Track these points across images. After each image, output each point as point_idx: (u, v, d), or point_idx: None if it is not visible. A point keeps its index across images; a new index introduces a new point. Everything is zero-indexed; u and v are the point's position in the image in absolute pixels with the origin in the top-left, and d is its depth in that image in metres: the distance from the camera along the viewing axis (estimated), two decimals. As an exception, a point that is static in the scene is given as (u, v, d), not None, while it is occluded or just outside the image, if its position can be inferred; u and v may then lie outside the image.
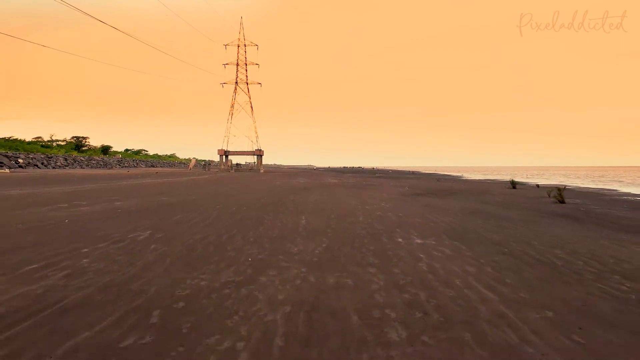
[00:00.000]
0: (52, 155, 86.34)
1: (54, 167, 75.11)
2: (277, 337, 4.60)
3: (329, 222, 14.02)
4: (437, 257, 8.81)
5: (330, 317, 5.19)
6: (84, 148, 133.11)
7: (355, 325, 4.95)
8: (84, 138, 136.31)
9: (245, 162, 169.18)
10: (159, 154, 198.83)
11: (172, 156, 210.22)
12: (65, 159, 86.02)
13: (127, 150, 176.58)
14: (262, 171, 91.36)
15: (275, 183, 40.67)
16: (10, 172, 57.41)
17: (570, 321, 5.18)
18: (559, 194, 25.15)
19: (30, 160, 72.05)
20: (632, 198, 30.37)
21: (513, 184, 40.79)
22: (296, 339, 4.56)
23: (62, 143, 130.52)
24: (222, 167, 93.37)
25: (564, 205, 23.47)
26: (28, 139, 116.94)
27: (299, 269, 7.55)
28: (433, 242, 10.52)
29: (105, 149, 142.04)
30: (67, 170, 69.07)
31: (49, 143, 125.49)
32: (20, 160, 68.85)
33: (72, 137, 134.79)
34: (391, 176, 78.39)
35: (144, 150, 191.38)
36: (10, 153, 72.31)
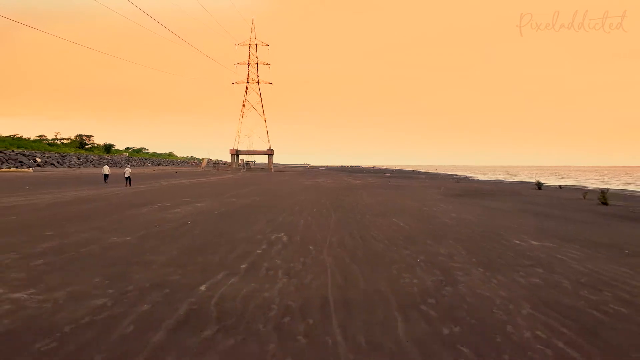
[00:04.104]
0: (66, 154, 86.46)
1: (69, 166, 75.36)
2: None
3: (417, 223, 14.80)
4: (591, 267, 9.58)
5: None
6: (87, 146, 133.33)
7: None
8: (88, 136, 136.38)
9: (245, 161, 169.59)
10: (157, 152, 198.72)
11: (170, 155, 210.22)
12: (78, 158, 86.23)
13: (127, 148, 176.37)
14: (272, 170, 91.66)
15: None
16: (33, 170, 57.61)
17: None
18: (603, 196, 26.13)
19: (47, 159, 72.21)
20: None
21: (539, 185, 41.69)
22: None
23: (67, 141, 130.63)
24: (234, 166, 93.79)
25: (608, 207, 24.37)
26: (24, 136, 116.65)
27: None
28: (550, 245, 11.31)
29: (108, 147, 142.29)
30: (88, 169, 69.27)
31: (54, 141, 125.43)
32: (38, 159, 68.99)
33: (76, 136, 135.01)
34: (404, 176, 79.15)
35: (145, 148, 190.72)
36: (27, 152, 72.37)
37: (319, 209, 18.79)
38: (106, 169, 35.69)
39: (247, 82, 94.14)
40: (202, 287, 6.75)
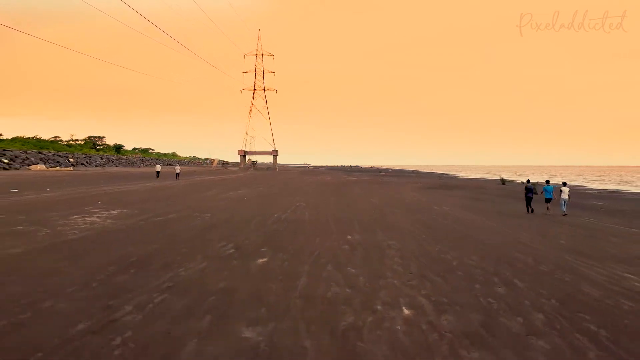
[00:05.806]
0: (92, 155, 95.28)
1: (96, 165, 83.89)
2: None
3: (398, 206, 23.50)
4: (459, 214, 18.31)
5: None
6: (98, 147, 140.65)
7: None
8: (99, 138, 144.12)
9: (252, 161, 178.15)
10: (161, 152, 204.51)
11: (174, 155, 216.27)
12: (102, 158, 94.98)
13: (135, 149, 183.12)
14: (277, 169, 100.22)
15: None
16: (73, 169, 66.32)
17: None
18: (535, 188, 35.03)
19: (77, 160, 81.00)
20: (582, 191, 40.45)
21: (502, 181, 50.48)
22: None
23: (82, 142, 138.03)
24: (242, 165, 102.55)
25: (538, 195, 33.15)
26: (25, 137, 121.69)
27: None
28: (452, 209, 20.05)
29: (117, 148, 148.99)
30: (112, 169, 77.98)
31: (70, 142, 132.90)
32: (71, 160, 77.77)
33: (89, 137, 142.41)
34: (397, 175, 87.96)
35: (150, 148, 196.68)
36: (61, 153, 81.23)
37: (322, 194, 27.51)
38: (159, 167, 45.53)
39: (254, 89, 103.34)
40: (275, 215, 15.60)
